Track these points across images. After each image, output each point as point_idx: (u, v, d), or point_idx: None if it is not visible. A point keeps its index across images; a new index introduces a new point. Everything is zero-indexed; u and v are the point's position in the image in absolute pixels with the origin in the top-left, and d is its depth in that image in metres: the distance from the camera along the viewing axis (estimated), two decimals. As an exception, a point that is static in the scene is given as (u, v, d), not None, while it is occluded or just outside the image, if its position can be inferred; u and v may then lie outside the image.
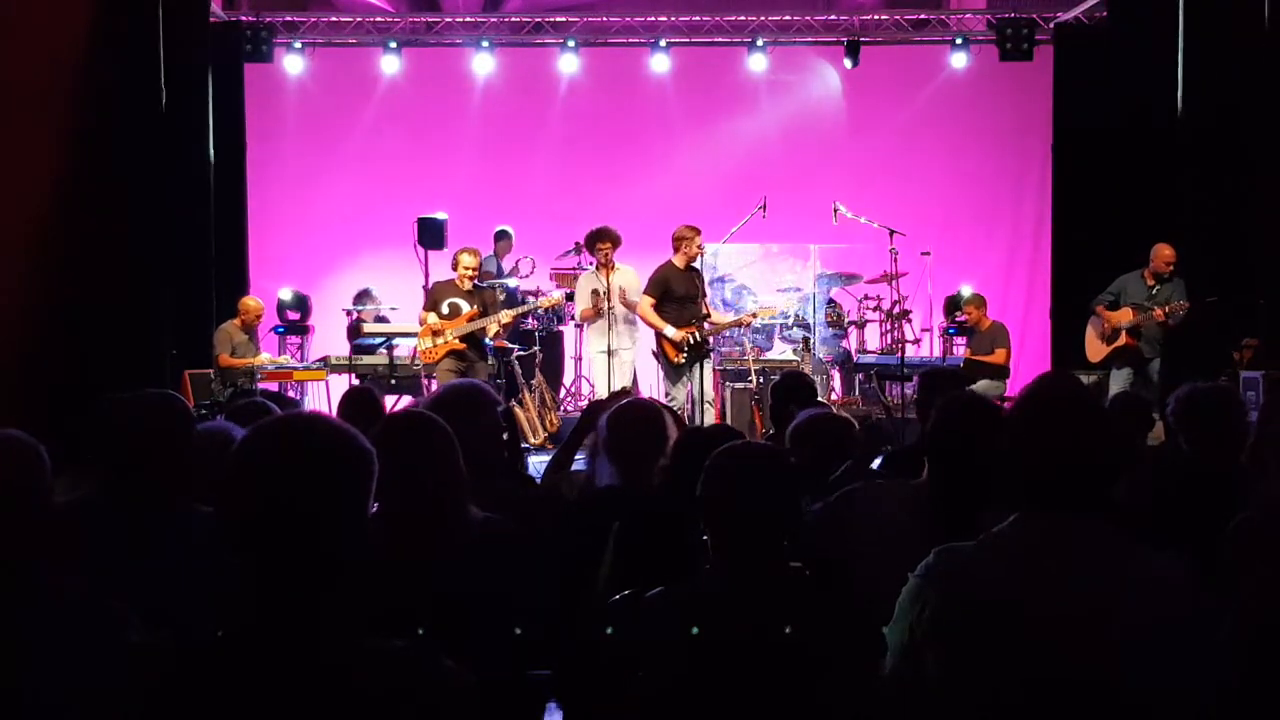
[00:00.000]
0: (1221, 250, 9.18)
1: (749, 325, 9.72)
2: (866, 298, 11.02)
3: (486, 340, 9.31)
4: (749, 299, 10.74)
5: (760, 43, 12.14)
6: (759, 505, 2.50)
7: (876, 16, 12.36)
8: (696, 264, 9.10)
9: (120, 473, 2.84)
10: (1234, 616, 2.50)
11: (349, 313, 11.37)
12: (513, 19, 12.45)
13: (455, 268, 9.24)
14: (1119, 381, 9.19)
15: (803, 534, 2.71)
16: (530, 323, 10.77)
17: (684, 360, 8.92)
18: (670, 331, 8.89)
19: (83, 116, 8.23)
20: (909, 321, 10.69)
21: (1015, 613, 2.17)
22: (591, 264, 9.90)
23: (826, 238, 10.59)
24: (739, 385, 9.80)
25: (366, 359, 10.54)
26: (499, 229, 11.70)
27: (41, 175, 7.85)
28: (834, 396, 10.43)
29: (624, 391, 6.86)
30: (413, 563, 2.72)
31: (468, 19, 12.45)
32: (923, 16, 12.52)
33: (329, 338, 11.82)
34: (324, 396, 10.54)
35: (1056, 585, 2.18)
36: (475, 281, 9.29)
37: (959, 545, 2.30)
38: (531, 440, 9.65)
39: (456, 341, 9.04)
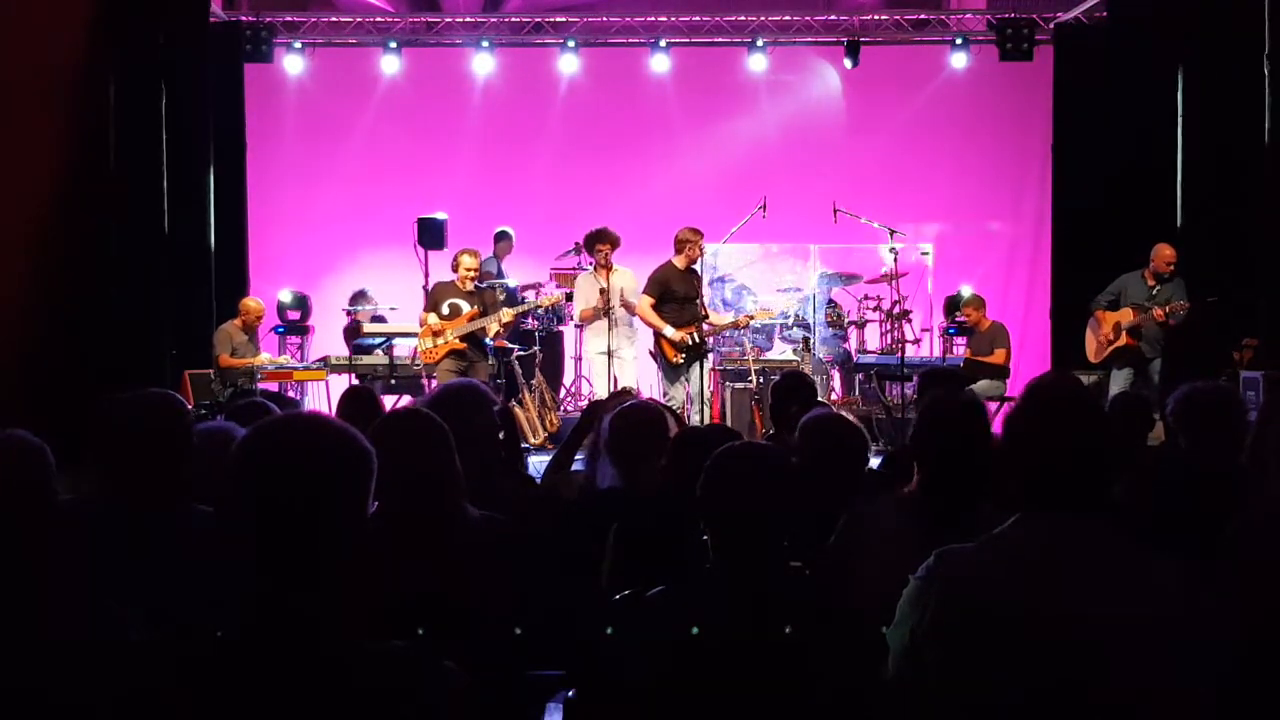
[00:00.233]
0: (1221, 250, 9.19)
1: (746, 326, 9.73)
2: (866, 298, 11.01)
3: (487, 340, 9.32)
4: (749, 299, 10.74)
5: (760, 43, 12.12)
6: (759, 505, 2.50)
7: (876, 16, 12.34)
8: (696, 266, 9.11)
9: (120, 473, 2.84)
10: (1234, 616, 2.50)
11: (349, 313, 11.38)
12: (513, 19, 12.44)
13: (456, 269, 9.24)
14: (1119, 381, 9.19)
15: (819, 574, 2.73)
16: (530, 323, 10.76)
17: (682, 360, 8.93)
18: (669, 331, 8.89)
19: (83, 116, 8.23)
20: (909, 322, 10.68)
21: (1016, 614, 2.17)
22: (590, 264, 9.90)
23: (826, 238, 10.60)
24: (739, 385, 9.80)
25: (366, 359, 10.54)
26: (499, 230, 11.69)
27: (41, 175, 7.85)
28: (834, 396, 10.42)
29: (625, 392, 6.83)
30: (412, 562, 2.72)
31: (468, 19, 12.44)
32: (923, 16, 12.51)
33: (329, 338, 11.82)
34: (324, 396, 10.54)
35: (1057, 586, 2.18)
36: (475, 282, 9.30)
37: (959, 547, 2.29)
38: (531, 440, 9.65)
39: (457, 341, 9.05)
